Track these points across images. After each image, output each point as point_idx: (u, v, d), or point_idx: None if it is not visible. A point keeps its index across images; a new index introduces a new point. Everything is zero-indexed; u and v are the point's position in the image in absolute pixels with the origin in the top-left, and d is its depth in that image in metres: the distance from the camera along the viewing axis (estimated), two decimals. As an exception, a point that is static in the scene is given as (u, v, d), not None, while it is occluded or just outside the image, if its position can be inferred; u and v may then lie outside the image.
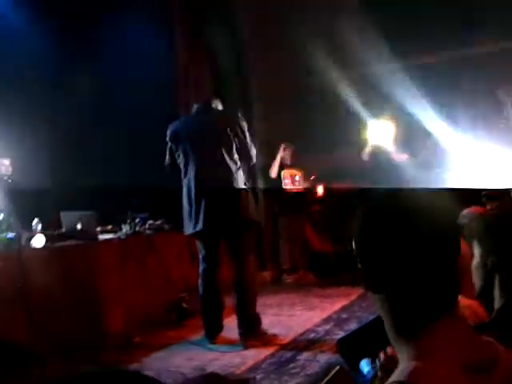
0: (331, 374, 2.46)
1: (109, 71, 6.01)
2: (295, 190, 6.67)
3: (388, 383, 0.90)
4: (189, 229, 4.06)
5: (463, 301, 1.12)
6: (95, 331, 4.03)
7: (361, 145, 6.16)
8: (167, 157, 4.21)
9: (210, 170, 4.03)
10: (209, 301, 4.14)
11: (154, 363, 3.54)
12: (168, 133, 4.18)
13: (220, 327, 4.06)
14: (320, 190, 7.27)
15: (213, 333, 4.03)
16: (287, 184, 6.66)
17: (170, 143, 4.18)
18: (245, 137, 4.13)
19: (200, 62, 6.81)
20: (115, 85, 6.03)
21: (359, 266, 0.97)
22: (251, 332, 3.93)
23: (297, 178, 6.68)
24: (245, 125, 4.17)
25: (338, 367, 2.20)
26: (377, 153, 5.91)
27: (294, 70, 7.23)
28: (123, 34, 6.05)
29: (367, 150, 6.01)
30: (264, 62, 7.14)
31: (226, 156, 4.02)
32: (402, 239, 0.91)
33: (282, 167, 6.70)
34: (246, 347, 3.77)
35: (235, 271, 4.22)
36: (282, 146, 6.61)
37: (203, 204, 3.96)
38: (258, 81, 7.16)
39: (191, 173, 4.04)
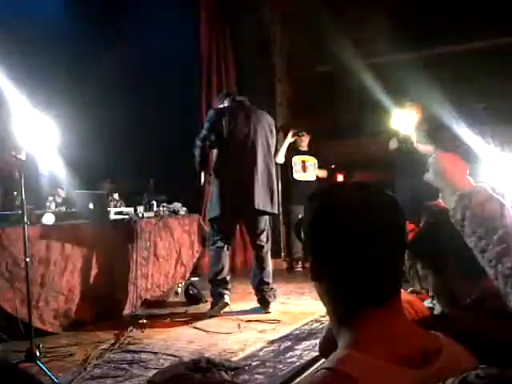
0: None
1: (134, 58, 6.08)
2: (305, 179, 6.60)
3: (317, 369, 0.90)
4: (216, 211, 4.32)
5: (404, 295, 1.11)
6: (102, 309, 4.11)
7: (385, 134, 6.06)
8: (203, 142, 4.35)
9: (250, 164, 4.34)
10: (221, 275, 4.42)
11: (155, 345, 3.57)
12: (212, 117, 4.38)
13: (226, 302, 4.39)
14: (340, 178, 7.18)
15: (221, 307, 4.34)
16: (297, 171, 6.61)
17: (210, 127, 4.34)
18: (274, 135, 4.60)
19: (224, 50, 6.79)
20: (139, 70, 6.10)
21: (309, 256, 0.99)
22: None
23: (308, 164, 6.60)
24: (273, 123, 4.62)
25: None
26: (403, 143, 5.78)
27: (319, 56, 7.16)
28: (148, 21, 6.10)
29: (394, 139, 5.88)
30: (289, 48, 7.10)
31: (264, 150, 4.43)
32: (341, 231, 0.91)
33: (296, 153, 6.64)
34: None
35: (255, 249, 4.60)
36: (291, 132, 6.54)
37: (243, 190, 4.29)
38: (283, 67, 7.12)
39: (232, 162, 4.33)
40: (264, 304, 4.46)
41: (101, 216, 4.26)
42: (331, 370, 0.85)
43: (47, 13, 5.46)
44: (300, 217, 1.05)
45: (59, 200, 4.53)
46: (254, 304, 4.57)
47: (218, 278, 4.42)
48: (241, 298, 4.93)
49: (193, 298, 4.83)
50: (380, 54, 6.41)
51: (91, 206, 4.24)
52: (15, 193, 3.83)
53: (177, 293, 5.04)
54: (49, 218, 3.86)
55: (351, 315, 0.91)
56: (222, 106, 4.61)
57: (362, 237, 0.90)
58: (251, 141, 4.37)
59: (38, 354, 3.05)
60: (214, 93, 6.55)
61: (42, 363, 3.01)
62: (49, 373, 2.95)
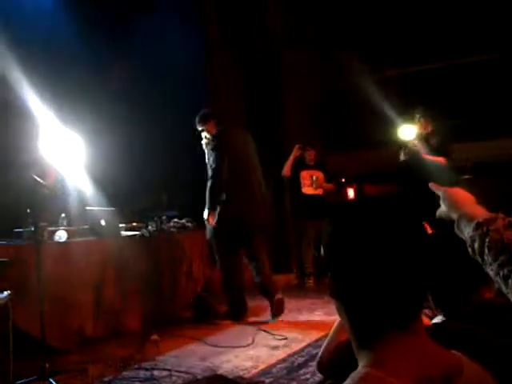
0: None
1: (144, 70, 6.13)
2: (313, 193, 6.57)
3: None
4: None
5: None
6: (111, 327, 4.10)
7: (394, 146, 6.05)
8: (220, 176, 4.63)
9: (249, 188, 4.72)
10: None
11: (168, 362, 3.56)
12: (221, 146, 4.69)
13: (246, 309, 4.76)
14: (351, 192, 7.17)
15: (243, 313, 4.72)
16: (305, 185, 6.59)
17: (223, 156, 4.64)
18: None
19: (233, 62, 6.84)
20: (149, 83, 6.14)
21: (328, 273, 0.98)
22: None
23: (314, 178, 6.58)
24: None
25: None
26: (413, 154, 5.76)
27: (329, 69, 7.20)
28: (159, 33, 6.15)
29: (403, 151, 5.86)
30: (299, 61, 7.13)
31: (257, 170, 4.88)
32: (361, 251, 0.91)
33: (303, 167, 6.63)
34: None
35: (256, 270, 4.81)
36: (296, 146, 6.54)
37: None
38: (292, 80, 7.15)
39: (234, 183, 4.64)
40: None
41: (112, 232, 4.27)
42: None
43: (62, 30, 5.52)
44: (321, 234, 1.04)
45: (71, 217, 4.53)
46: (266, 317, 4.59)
47: (236, 284, 4.67)
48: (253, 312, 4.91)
49: (204, 313, 4.82)
50: (390, 67, 6.44)
51: (103, 222, 4.26)
52: (28, 210, 3.85)
53: (187, 308, 5.03)
54: (61, 235, 3.88)
55: (372, 336, 0.91)
56: (216, 129, 4.84)
57: (383, 257, 0.89)
58: (250, 163, 4.82)
59: (50, 371, 3.06)
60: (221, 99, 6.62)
61: (54, 381, 3.01)
62: (62, 390, 2.94)
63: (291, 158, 6.53)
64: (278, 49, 6.98)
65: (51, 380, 3.03)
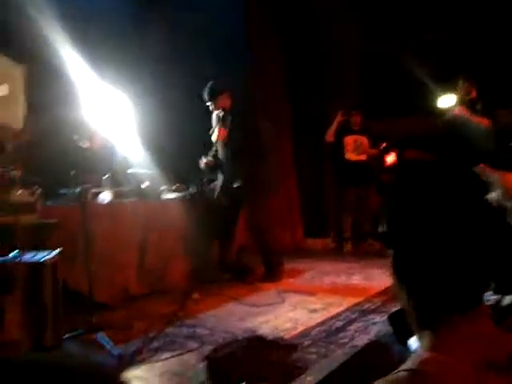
0: (365, 346, 2.46)
1: (184, 32, 6.07)
2: (357, 159, 6.53)
3: (398, 370, 0.89)
4: None
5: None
6: (154, 285, 4.23)
7: (436, 112, 5.91)
8: None
9: None
10: None
11: (209, 321, 3.66)
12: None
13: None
14: (390, 158, 7.07)
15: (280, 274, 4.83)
16: (349, 150, 6.54)
17: None
18: None
19: (272, 26, 6.72)
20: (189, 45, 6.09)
21: (389, 249, 0.94)
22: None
23: (357, 143, 6.52)
24: None
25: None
26: (455, 120, 5.62)
27: (368, 36, 7.02)
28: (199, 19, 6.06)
29: (445, 117, 5.72)
30: (339, 28, 6.98)
31: None
32: (433, 228, 0.87)
33: (347, 132, 6.57)
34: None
35: None
36: (340, 112, 6.47)
37: None
38: (333, 47, 7.00)
39: None
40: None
41: (155, 194, 4.35)
42: (414, 371, 0.84)
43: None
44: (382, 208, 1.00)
45: (115, 179, 4.63)
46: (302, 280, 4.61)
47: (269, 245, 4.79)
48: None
49: (242, 274, 4.90)
50: (431, 31, 6.23)
51: (146, 184, 4.33)
52: (72, 172, 3.95)
53: (226, 268, 5.12)
54: (105, 197, 3.97)
55: (433, 319, 0.89)
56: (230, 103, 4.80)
57: (452, 236, 0.86)
58: None
59: (97, 326, 3.19)
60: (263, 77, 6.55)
61: (102, 335, 3.14)
62: (108, 344, 3.07)
63: (335, 123, 6.48)
64: (320, 16, 6.83)
65: (98, 334, 3.16)
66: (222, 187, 4.80)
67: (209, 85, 4.72)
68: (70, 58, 3.86)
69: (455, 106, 5.53)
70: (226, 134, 4.68)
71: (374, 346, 2.37)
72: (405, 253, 0.91)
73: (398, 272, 0.93)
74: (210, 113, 4.87)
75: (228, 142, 4.71)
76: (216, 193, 4.85)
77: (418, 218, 0.88)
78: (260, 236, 4.85)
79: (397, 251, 0.92)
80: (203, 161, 4.91)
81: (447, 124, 5.69)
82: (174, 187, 4.83)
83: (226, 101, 4.71)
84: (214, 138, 4.76)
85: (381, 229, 0.95)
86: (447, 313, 0.89)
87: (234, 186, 4.73)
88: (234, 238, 5.01)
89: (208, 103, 4.74)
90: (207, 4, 6.00)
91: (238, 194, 4.74)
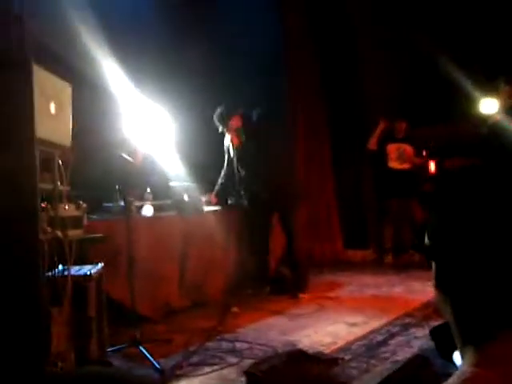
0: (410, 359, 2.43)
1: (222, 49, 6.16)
2: (400, 168, 6.44)
3: None
4: None
5: None
6: (196, 298, 4.27)
7: (478, 119, 5.80)
8: None
9: None
10: None
11: (248, 335, 3.67)
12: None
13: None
14: (432, 166, 6.97)
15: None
16: (392, 159, 6.45)
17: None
18: None
19: (308, 36, 6.75)
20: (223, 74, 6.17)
21: (431, 262, 0.91)
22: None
23: (401, 151, 6.43)
24: None
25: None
26: (497, 126, 5.50)
27: (408, 43, 6.96)
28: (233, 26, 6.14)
29: (487, 123, 5.60)
30: (376, 37, 6.94)
31: None
32: (480, 239, 0.83)
33: (390, 140, 6.49)
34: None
35: None
36: (382, 120, 6.39)
37: None
38: (371, 55, 6.97)
39: None
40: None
41: (195, 207, 4.41)
42: None
43: (146, 9, 5.64)
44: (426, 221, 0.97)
45: (156, 192, 4.72)
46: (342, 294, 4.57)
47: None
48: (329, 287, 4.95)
49: (281, 287, 4.91)
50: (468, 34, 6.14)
51: (186, 197, 4.40)
52: (117, 186, 4.05)
53: (267, 281, 5.13)
54: (147, 210, 4.06)
55: (479, 334, 0.86)
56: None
57: (500, 248, 0.82)
58: None
59: (140, 340, 3.25)
60: (300, 87, 6.59)
61: (144, 348, 3.20)
62: (151, 358, 3.12)
63: (377, 131, 6.40)
64: (357, 24, 6.82)
65: (141, 348, 3.21)
66: (248, 196, 4.81)
67: (219, 110, 4.76)
68: (111, 74, 3.96)
69: (497, 111, 5.42)
70: (240, 142, 4.73)
71: (417, 361, 2.34)
72: (448, 265, 0.87)
73: (442, 285, 0.89)
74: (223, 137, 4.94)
75: (243, 152, 4.75)
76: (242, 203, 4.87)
77: (461, 229, 0.85)
78: (291, 243, 4.86)
79: (440, 264, 0.89)
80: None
81: (490, 130, 5.57)
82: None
83: (237, 122, 4.74)
84: (228, 145, 4.80)
85: (426, 241, 0.91)
86: (493, 327, 0.84)
87: (257, 192, 4.75)
88: (269, 248, 5.01)
89: (220, 127, 4.78)
90: (246, 19, 6.07)
91: (265, 202, 4.75)
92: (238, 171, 4.80)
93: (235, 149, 4.79)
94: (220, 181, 4.99)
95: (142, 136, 3.64)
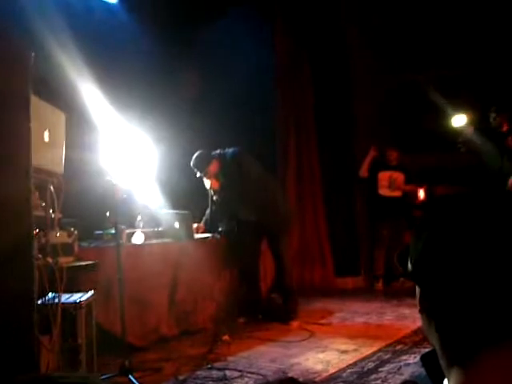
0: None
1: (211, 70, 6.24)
2: (390, 195, 6.52)
3: None
4: None
5: None
6: (186, 326, 4.25)
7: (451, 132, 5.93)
8: None
9: None
10: None
11: (239, 363, 3.65)
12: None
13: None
14: (421, 193, 7.05)
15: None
16: (383, 186, 6.54)
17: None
18: None
19: (301, 64, 6.86)
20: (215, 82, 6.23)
21: (416, 286, 0.92)
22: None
23: (392, 179, 6.52)
24: None
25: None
26: (469, 143, 5.61)
27: (396, 68, 7.11)
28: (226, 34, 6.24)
29: (461, 141, 5.70)
30: (366, 60, 7.07)
31: None
32: (463, 264, 0.84)
33: (381, 168, 6.58)
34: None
35: None
36: (373, 147, 6.51)
37: None
38: (360, 82, 7.09)
39: None
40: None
41: (186, 235, 4.42)
42: None
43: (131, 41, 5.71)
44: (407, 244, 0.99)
45: (145, 219, 4.73)
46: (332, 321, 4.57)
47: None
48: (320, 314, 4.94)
49: (273, 314, 4.89)
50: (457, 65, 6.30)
51: (177, 225, 4.42)
52: (107, 213, 4.06)
53: (257, 309, 5.11)
54: (139, 238, 4.06)
55: (464, 355, 0.86)
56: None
57: (484, 272, 0.83)
58: None
59: (129, 368, 3.22)
60: (292, 111, 6.68)
61: (134, 377, 3.17)
62: (141, 387, 3.09)
63: (368, 158, 6.51)
64: (349, 50, 6.94)
65: (130, 376, 3.19)
66: (237, 225, 4.86)
67: (196, 158, 4.77)
68: (96, 104, 3.95)
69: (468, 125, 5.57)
70: (219, 184, 4.81)
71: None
72: (432, 288, 0.89)
73: (426, 308, 0.91)
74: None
75: (222, 187, 4.81)
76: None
77: (445, 252, 0.86)
78: (280, 268, 4.88)
79: (423, 287, 0.91)
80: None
81: (465, 146, 5.65)
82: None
83: (215, 166, 4.77)
84: (207, 186, 4.84)
85: (409, 266, 0.93)
86: (478, 348, 0.84)
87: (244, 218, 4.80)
88: (260, 276, 5.01)
89: (199, 174, 4.81)
90: (236, 44, 6.15)
91: (253, 227, 4.79)
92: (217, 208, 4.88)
93: (216, 191, 4.84)
94: (209, 209, 5.01)
95: (124, 168, 3.60)
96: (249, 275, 4.88)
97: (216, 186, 4.80)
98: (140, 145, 3.67)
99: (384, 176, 6.55)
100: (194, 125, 5.84)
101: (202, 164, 4.74)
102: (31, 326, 2.23)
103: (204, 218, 5.03)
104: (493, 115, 5.48)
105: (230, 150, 4.81)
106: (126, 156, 3.55)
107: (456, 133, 5.67)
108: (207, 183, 4.81)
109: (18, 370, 2.08)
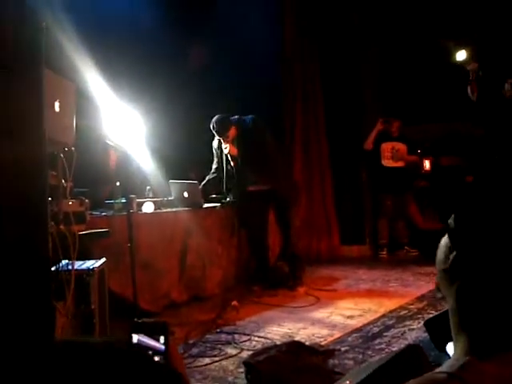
0: (403, 349, 2.51)
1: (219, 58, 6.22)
2: (394, 166, 6.55)
3: (434, 372, 0.90)
4: None
5: None
6: (194, 292, 4.36)
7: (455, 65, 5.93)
8: None
9: None
10: None
11: (247, 327, 3.76)
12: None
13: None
14: (426, 164, 7.07)
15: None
16: (386, 157, 6.57)
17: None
18: None
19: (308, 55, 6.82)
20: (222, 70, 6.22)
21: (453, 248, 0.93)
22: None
23: (394, 150, 6.54)
24: None
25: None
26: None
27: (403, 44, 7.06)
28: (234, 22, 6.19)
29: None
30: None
31: None
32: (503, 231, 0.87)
33: (385, 139, 6.60)
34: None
35: None
36: (380, 120, 6.52)
37: None
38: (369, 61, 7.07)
39: None
40: None
41: (195, 204, 4.49)
42: (452, 376, 0.85)
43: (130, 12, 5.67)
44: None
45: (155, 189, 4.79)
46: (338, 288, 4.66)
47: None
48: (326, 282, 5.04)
49: (279, 280, 4.98)
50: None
51: (186, 194, 4.48)
52: (118, 183, 4.12)
53: (264, 276, 5.21)
54: (149, 206, 4.14)
55: (477, 324, 0.90)
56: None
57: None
58: None
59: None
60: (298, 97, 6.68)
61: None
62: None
63: (374, 131, 6.54)
64: (357, 40, 6.91)
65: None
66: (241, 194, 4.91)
67: (217, 122, 4.78)
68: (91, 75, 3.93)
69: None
70: (237, 151, 4.83)
71: (411, 351, 2.43)
72: (468, 253, 0.90)
73: (455, 269, 0.92)
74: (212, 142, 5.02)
75: (241, 153, 4.83)
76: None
77: (488, 227, 0.88)
78: (287, 236, 4.98)
79: (460, 249, 0.92)
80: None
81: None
82: (212, 196, 4.97)
83: (233, 132, 4.80)
84: (226, 151, 4.83)
85: (450, 222, 0.94)
86: (494, 321, 0.87)
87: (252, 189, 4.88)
88: (268, 244, 5.09)
89: (219, 136, 4.83)
90: (245, 23, 6.10)
91: (264, 198, 4.87)
92: (232, 172, 4.89)
93: (233, 157, 4.86)
94: (208, 178, 5.05)
95: (117, 134, 3.62)
96: (257, 244, 4.96)
97: (234, 151, 4.83)
98: (129, 115, 3.68)
99: (387, 147, 6.58)
100: (200, 101, 5.86)
101: (224, 128, 4.77)
102: (47, 292, 2.30)
103: (202, 183, 5.02)
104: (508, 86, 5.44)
105: (248, 117, 4.85)
106: (117, 124, 3.56)
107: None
108: (226, 148, 4.83)
109: (34, 335, 2.16)
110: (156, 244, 4.05)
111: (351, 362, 3.04)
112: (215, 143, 5.00)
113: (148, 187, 4.51)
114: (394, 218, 6.60)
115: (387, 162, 6.59)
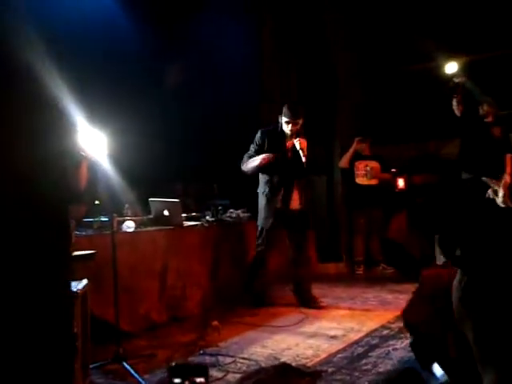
0: (401, 373, 2.51)
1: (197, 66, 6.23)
2: (367, 183, 6.64)
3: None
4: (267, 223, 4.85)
5: None
6: (173, 313, 4.28)
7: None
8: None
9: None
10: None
11: (231, 348, 3.69)
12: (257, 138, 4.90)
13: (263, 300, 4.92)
14: (400, 182, 7.18)
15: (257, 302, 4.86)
16: (359, 175, 6.66)
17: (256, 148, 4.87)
18: None
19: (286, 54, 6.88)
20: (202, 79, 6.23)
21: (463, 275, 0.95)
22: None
23: (368, 168, 6.63)
24: None
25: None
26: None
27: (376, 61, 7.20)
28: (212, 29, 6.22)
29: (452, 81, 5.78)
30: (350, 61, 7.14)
31: None
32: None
33: (359, 157, 6.70)
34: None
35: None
36: (356, 139, 6.63)
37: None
38: (343, 80, 7.16)
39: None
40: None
41: (175, 222, 4.43)
42: None
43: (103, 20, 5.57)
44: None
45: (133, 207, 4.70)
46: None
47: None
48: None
49: (259, 301, 4.94)
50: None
51: (166, 212, 4.41)
52: (96, 202, 4.04)
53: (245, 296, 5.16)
54: (129, 225, 4.05)
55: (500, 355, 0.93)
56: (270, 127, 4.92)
57: None
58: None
59: (123, 355, 3.24)
60: (275, 98, 6.69)
61: (128, 364, 3.19)
62: (135, 374, 3.11)
63: (351, 150, 6.64)
64: (334, 50, 7.01)
65: (124, 364, 3.20)
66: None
67: (295, 103, 4.89)
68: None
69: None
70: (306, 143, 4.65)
71: (408, 375, 2.42)
72: (477, 274, 0.95)
73: (468, 294, 0.97)
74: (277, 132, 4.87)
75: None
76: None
77: (487, 247, 0.95)
78: (301, 259, 5.00)
79: (470, 273, 0.95)
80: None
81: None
82: (192, 215, 4.92)
83: (303, 120, 4.77)
84: (297, 146, 4.61)
85: (457, 253, 0.97)
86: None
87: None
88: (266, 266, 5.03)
89: (295, 119, 4.68)
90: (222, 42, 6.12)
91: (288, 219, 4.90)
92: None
93: (302, 150, 4.61)
94: None
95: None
96: (256, 263, 4.93)
97: (304, 145, 4.61)
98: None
99: (360, 165, 6.68)
100: (180, 114, 5.85)
101: (300, 112, 4.73)
102: (70, 319, 2.19)
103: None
104: (484, 106, 5.57)
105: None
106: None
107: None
108: (297, 141, 4.60)
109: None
110: (136, 264, 3.96)
111: (339, 384, 3.02)
112: (267, 135, 4.83)
113: (127, 205, 4.43)
114: (367, 235, 6.68)
115: (361, 180, 6.68)
